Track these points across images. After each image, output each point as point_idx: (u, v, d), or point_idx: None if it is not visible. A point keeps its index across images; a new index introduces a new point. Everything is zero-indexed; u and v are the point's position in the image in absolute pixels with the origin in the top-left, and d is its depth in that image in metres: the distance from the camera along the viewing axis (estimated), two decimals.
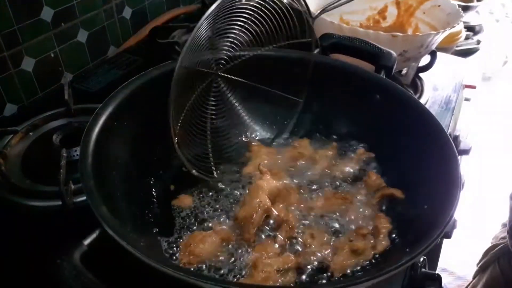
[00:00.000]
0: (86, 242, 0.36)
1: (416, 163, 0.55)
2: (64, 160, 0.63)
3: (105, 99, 0.54)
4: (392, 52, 0.64)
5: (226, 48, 0.59)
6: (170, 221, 0.55)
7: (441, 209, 0.43)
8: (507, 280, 0.79)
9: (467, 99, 1.12)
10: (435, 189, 0.48)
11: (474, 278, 0.90)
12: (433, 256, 0.76)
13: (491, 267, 0.83)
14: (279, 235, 0.52)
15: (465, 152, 0.86)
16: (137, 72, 0.59)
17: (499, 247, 0.83)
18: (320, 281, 0.47)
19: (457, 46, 1.19)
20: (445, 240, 0.89)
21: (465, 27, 1.22)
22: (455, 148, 0.50)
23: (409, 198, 0.55)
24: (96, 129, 0.48)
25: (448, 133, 0.85)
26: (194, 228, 0.54)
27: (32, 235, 0.60)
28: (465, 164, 0.94)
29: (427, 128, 0.54)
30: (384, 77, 0.61)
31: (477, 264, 0.89)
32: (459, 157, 0.83)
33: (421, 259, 0.65)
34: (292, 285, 0.47)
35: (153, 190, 0.57)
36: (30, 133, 0.77)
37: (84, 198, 0.62)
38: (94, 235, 0.37)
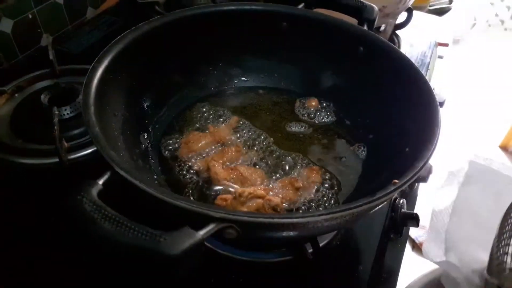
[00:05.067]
0: (101, 181, 0.38)
1: (398, 110, 0.58)
2: (57, 118, 0.63)
3: (87, 61, 0.54)
4: (374, 5, 0.66)
5: None
6: (166, 167, 0.58)
7: (423, 146, 0.47)
8: None
9: (440, 57, 1.17)
10: (417, 133, 0.52)
11: None
12: (411, 201, 0.82)
13: None
14: None
15: (440, 104, 0.91)
16: (118, 33, 0.59)
17: None
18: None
19: (430, 6, 1.22)
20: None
21: None
22: (434, 94, 0.54)
23: (392, 144, 0.59)
24: (95, 81, 0.49)
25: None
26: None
27: (27, 193, 0.62)
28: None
29: (409, 77, 0.58)
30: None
31: None
32: None
33: (401, 201, 0.70)
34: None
35: (148, 142, 0.60)
36: (16, 94, 0.76)
37: (78, 155, 0.64)
38: (106, 176, 0.39)
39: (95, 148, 0.45)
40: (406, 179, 0.41)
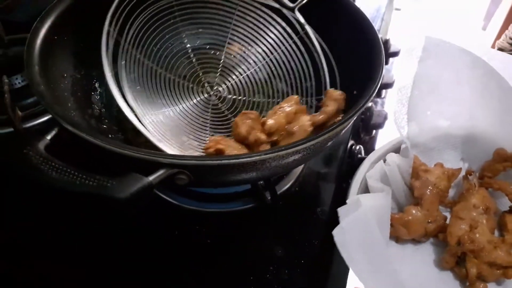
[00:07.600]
0: (48, 136, 0.38)
1: (347, 57, 0.60)
2: (7, 86, 0.62)
3: None
4: None
5: None
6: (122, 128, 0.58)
7: (368, 87, 0.48)
8: None
9: (397, 9, 1.19)
10: (363, 76, 0.54)
11: None
12: (369, 148, 0.85)
13: None
14: None
15: (395, 54, 0.93)
16: None
17: None
18: None
19: None
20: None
21: None
22: (379, 37, 0.55)
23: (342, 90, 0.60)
24: (38, 41, 0.48)
25: (380, 37, 0.92)
26: None
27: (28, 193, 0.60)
28: (396, 65, 1.02)
29: (355, 22, 0.59)
30: None
31: None
32: (391, 58, 0.90)
33: (357, 147, 0.73)
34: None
35: (101, 103, 0.59)
36: None
37: (33, 123, 0.63)
38: (53, 132, 0.39)
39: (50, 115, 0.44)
40: (348, 117, 0.43)
